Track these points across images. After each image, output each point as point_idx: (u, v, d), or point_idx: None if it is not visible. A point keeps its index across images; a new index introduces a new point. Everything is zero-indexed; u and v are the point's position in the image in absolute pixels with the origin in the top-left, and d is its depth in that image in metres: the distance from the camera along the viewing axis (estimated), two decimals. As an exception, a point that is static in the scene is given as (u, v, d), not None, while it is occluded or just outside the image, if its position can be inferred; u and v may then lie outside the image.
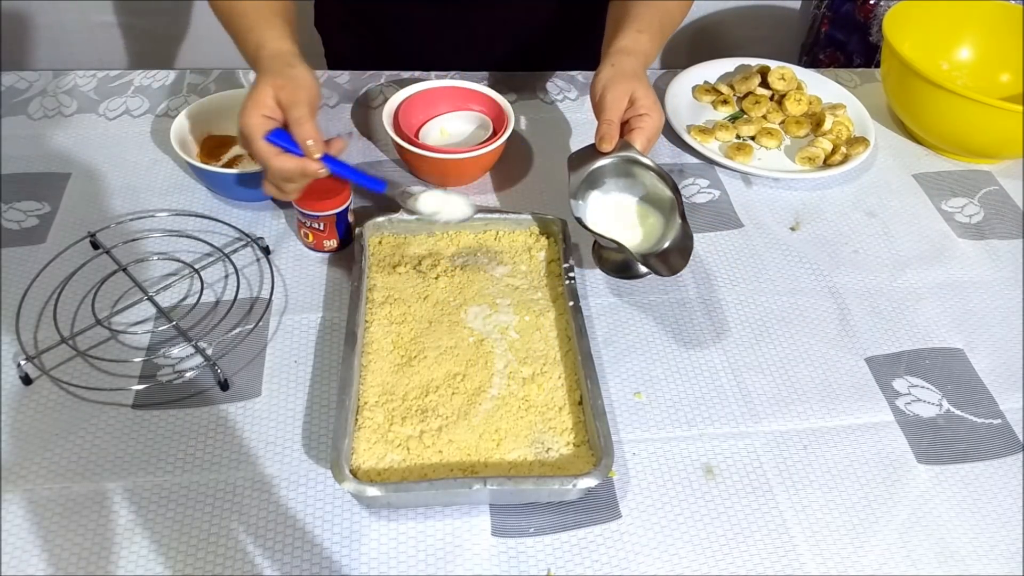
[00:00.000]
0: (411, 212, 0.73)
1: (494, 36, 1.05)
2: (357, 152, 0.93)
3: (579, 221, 0.73)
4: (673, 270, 0.71)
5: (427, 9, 1.02)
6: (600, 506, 0.62)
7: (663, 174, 0.74)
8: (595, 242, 0.78)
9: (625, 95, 0.75)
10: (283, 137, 0.68)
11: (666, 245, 0.73)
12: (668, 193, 0.73)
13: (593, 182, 0.76)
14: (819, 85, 1.05)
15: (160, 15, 1.69)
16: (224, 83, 1.01)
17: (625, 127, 0.75)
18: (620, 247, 0.72)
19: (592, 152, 0.75)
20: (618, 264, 0.78)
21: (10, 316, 0.72)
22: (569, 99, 1.03)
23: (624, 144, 0.74)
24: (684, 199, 0.90)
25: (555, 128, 0.98)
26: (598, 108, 0.76)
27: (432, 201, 0.72)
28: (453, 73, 1.02)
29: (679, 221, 0.72)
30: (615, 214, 0.77)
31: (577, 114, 1.00)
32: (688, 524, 0.62)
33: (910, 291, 0.82)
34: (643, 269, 0.73)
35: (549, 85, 1.05)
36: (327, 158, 0.69)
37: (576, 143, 0.96)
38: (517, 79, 1.04)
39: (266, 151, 0.68)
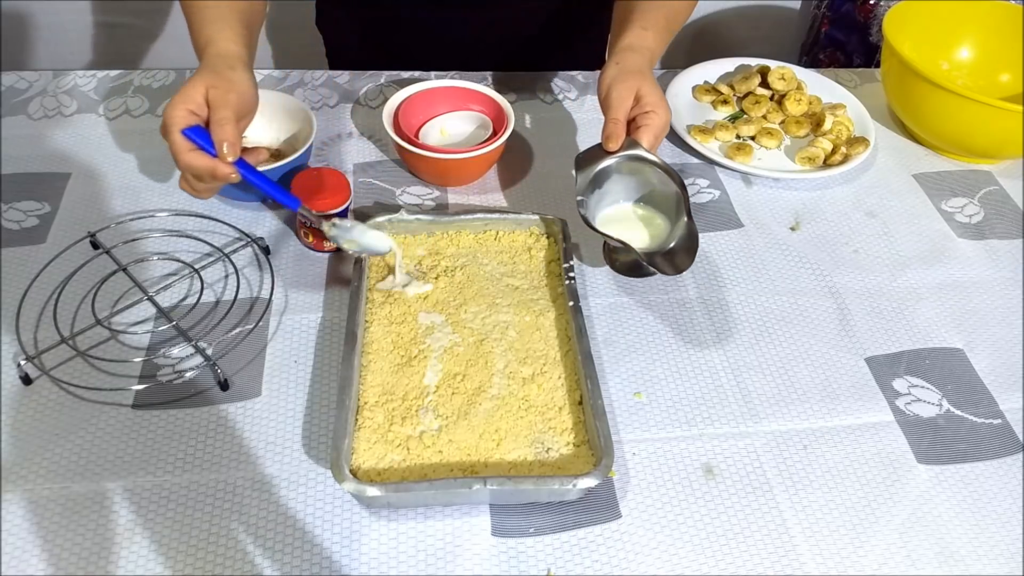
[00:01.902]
0: (331, 240, 0.72)
1: (494, 36, 1.05)
2: (357, 152, 0.93)
3: (585, 221, 0.72)
4: (678, 269, 0.71)
5: (427, 9, 1.02)
6: (600, 506, 0.62)
7: (671, 171, 0.73)
8: (605, 243, 0.78)
9: (630, 93, 0.74)
10: (203, 135, 0.67)
11: (672, 244, 0.73)
12: (675, 191, 0.73)
13: (600, 182, 0.75)
14: (819, 85, 1.05)
15: (160, 15, 1.69)
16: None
17: (631, 125, 0.75)
18: (627, 247, 0.71)
19: (599, 151, 0.75)
20: (628, 264, 0.78)
21: (10, 316, 0.72)
22: (569, 99, 1.03)
23: (631, 142, 0.74)
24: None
25: (555, 128, 0.98)
26: (604, 107, 0.76)
27: (354, 234, 0.71)
28: (453, 73, 1.02)
29: (685, 220, 0.72)
30: (622, 213, 0.77)
31: (577, 114, 1.00)
32: (688, 524, 0.62)
33: (910, 291, 0.82)
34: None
35: (549, 85, 1.05)
36: (242, 164, 0.67)
37: (577, 142, 0.96)
38: (517, 79, 1.04)
39: (179, 145, 0.66)
